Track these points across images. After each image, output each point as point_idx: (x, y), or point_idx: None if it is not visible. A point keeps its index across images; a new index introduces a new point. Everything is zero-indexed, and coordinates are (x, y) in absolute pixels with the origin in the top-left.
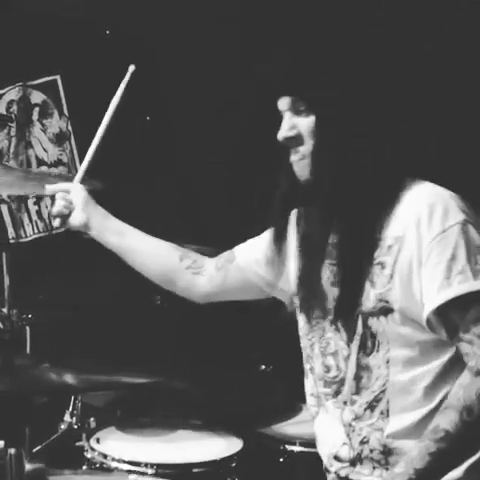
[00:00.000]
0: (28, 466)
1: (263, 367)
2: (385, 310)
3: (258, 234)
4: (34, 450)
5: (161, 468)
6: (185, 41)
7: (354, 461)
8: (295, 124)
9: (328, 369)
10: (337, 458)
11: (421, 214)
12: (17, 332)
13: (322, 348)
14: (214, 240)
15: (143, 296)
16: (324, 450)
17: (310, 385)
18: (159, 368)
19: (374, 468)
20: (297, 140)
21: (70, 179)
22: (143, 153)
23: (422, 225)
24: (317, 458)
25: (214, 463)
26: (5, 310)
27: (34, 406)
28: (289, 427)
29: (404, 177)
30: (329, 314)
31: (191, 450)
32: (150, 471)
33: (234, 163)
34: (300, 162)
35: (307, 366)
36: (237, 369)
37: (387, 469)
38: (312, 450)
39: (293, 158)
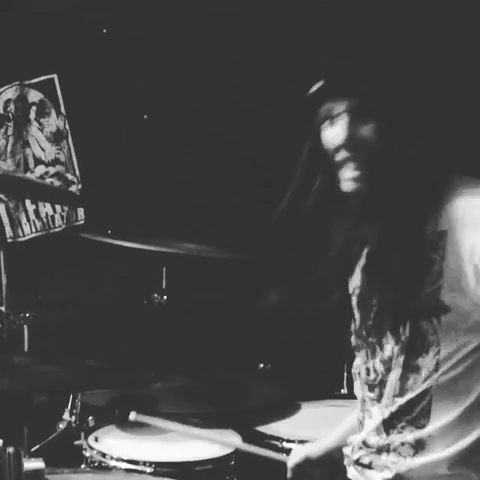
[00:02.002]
0: (26, 465)
1: (261, 365)
2: (436, 310)
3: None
4: (33, 449)
5: (160, 467)
6: (185, 40)
7: (381, 449)
8: (356, 130)
9: (368, 372)
10: (365, 443)
11: (465, 211)
12: (15, 331)
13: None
14: (214, 240)
15: (141, 295)
16: (355, 439)
17: (357, 389)
18: (157, 366)
19: (404, 457)
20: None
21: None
22: (143, 153)
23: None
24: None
25: (212, 461)
26: (3, 309)
27: (33, 405)
28: (288, 427)
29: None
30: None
31: (189, 448)
32: (149, 469)
33: (234, 163)
34: (356, 172)
35: (356, 370)
36: (236, 367)
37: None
38: None
39: (347, 173)
